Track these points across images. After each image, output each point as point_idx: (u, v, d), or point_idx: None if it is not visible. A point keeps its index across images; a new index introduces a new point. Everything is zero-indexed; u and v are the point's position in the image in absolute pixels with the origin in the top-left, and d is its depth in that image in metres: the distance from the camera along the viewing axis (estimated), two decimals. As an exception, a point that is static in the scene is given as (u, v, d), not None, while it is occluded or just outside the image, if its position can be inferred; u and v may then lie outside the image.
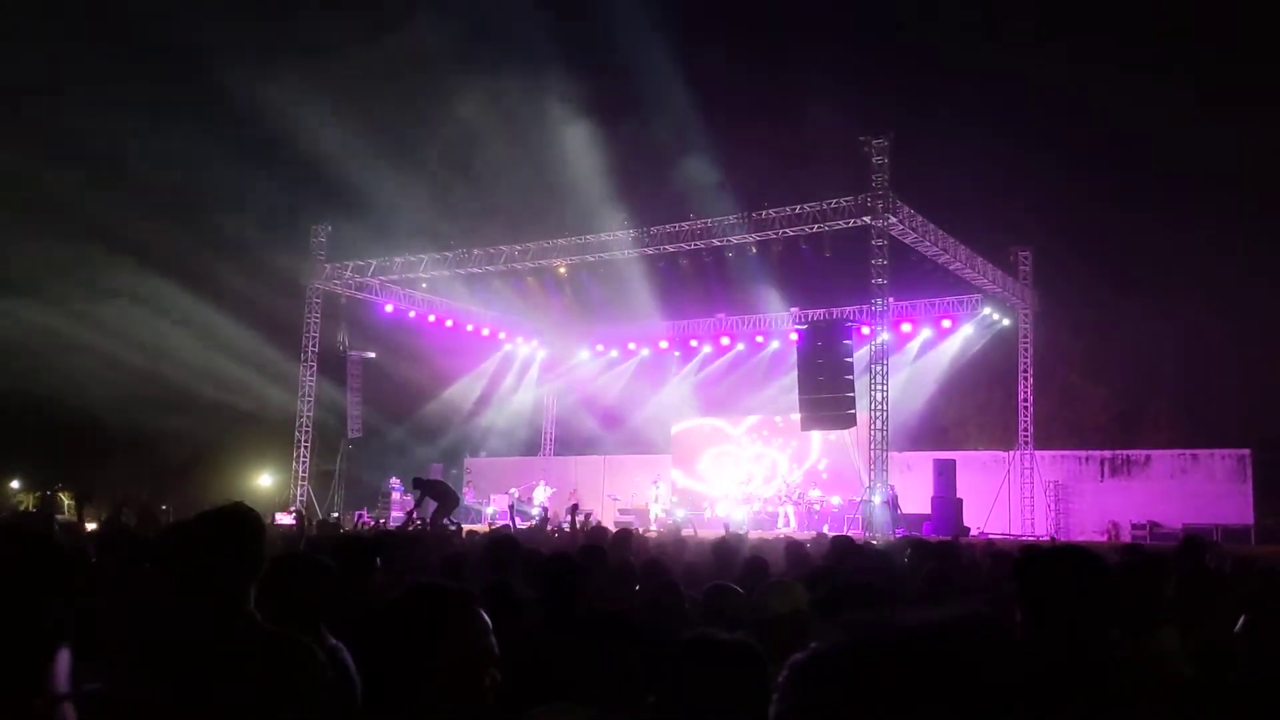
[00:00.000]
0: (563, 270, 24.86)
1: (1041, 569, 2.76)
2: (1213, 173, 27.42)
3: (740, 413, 28.06)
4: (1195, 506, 22.28)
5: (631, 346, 30.45)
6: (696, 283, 24.53)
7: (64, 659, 2.47)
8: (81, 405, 26.75)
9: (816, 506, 24.15)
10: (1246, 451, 23.45)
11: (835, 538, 8.59)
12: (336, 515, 24.70)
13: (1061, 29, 30.89)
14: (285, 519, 19.70)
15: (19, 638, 2.41)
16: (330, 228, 25.63)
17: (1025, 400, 25.23)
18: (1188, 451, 24.23)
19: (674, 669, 2.50)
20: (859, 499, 21.57)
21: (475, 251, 24.45)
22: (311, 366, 25.73)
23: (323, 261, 25.56)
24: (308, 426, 25.70)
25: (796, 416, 22.90)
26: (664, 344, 29.84)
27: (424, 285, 26.17)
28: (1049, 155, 27.44)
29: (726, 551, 7.35)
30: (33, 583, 2.48)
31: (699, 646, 2.52)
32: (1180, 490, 23.50)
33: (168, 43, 27.64)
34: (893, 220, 20.49)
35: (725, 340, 28.82)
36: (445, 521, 17.12)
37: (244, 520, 2.82)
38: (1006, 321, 25.09)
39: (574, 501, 26.61)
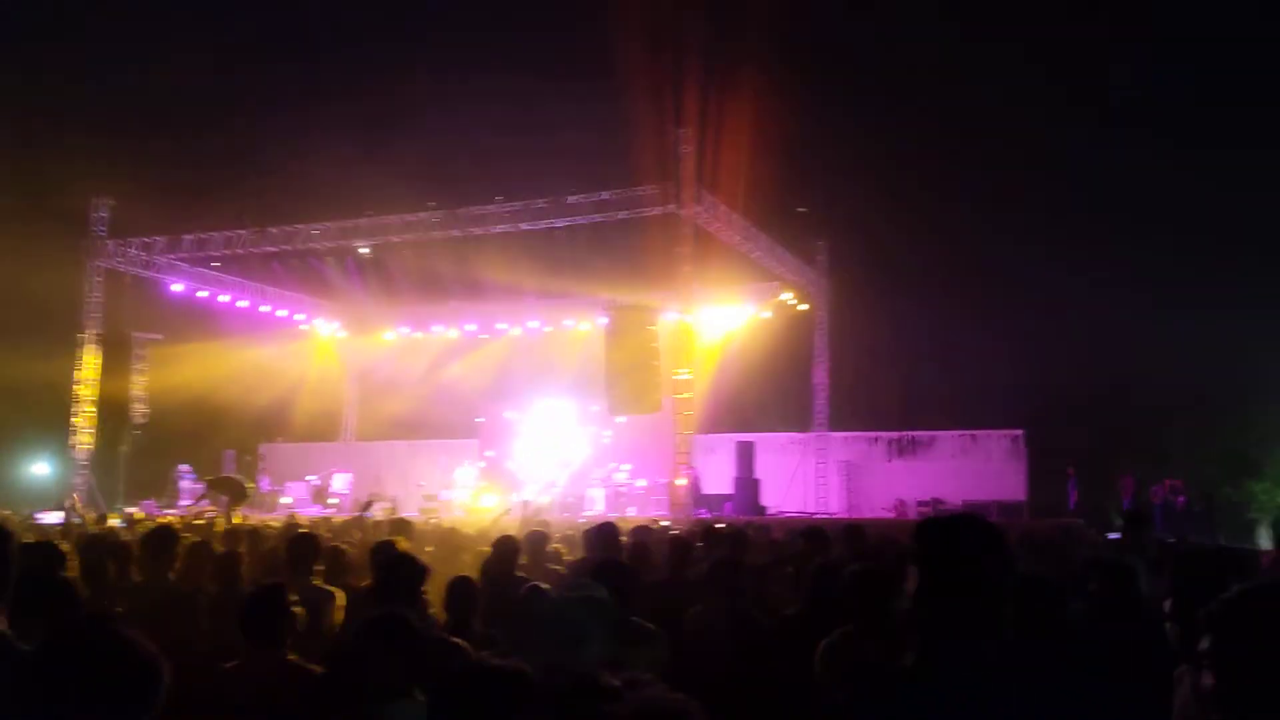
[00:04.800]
0: (364, 251, 24.18)
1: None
2: (993, 170, 29.16)
3: (548, 396, 27.99)
4: (975, 484, 23.70)
5: (437, 329, 29.90)
6: (505, 265, 24.30)
7: None
8: None
9: (623, 489, 24.44)
10: (1019, 432, 25.18)
11: (600, 525, 7.75)
12: (130, 512, 23.24)
13: (867, 28, 32.02)
14: (50, 518, 17.04)
15: None
16: (113, 202, 24.14)
17: (820, 384, 26.29)
18: (968, 432, 25.82)
19: (448, 696, 2.44)
20: (664, 481, 21.97)
21: (271, 230, 23.53)
22: (92, 348, 24.25)
23: (104, 238, 24.06)
24: (89, 412, 24.18)
25: (604, 400, 23.06)
26: (471, 326, 29.44)
27: (215, 264, 25.02)
28: (843, 150, 28.42)
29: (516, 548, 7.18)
30: None
31: (472, 674, 2.47)
32: (961, 469, 25.03)
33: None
34: (698, 209, 20.89)
35: (534, 324, 28.70)
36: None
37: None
38: (804, 308, 26.06)
39: (373, 490, 25.99)
